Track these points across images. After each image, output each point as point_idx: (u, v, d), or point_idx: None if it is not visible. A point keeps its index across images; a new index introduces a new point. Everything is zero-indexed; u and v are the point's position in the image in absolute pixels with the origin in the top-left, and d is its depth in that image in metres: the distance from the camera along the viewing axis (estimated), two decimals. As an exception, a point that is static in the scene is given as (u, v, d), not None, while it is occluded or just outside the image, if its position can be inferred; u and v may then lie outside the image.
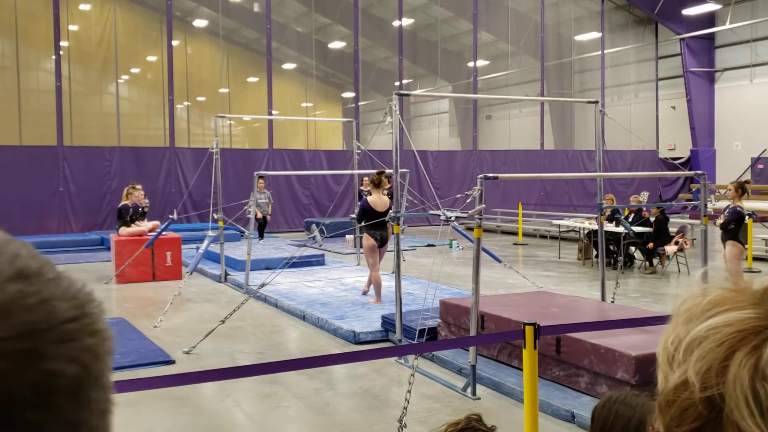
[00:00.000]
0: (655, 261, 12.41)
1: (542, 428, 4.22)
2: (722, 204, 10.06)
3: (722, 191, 13.88)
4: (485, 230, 8.07)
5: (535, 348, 4.02)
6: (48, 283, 0.43)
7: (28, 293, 0.41)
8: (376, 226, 8.61)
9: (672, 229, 12.66)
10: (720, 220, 8.94)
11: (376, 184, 8.78)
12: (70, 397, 0.41)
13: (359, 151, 12.37)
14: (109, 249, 13.81)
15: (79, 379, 0.42)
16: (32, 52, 19.38)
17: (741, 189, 9.01)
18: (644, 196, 17.98)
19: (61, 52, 18.21)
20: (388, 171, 8.46)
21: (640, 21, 25.45)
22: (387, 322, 7.59)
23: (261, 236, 15.66)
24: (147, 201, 13.71)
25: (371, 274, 9.17)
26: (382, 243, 8.87)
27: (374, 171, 9.15)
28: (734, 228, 8.87)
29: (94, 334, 0.44)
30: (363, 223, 8.79)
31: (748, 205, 10.94)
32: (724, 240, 8.98)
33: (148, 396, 5.52)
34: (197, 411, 5.54)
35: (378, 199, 8.75)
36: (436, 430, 1.49)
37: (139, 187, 12.87)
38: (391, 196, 8.18)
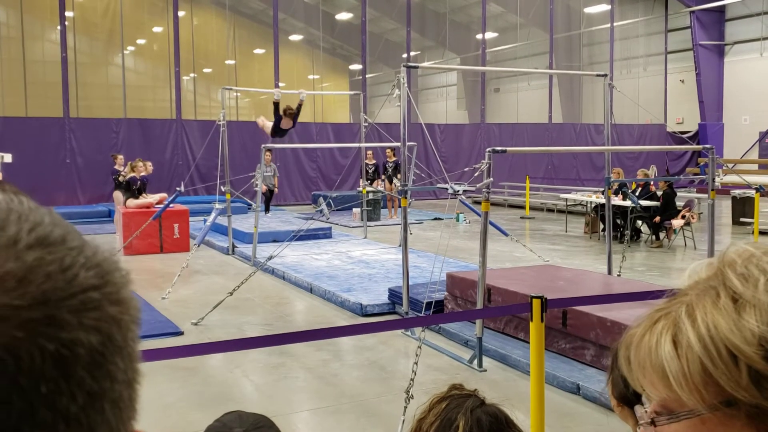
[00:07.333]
0: (662, 235, 12.41)
1: (548, 400, 4.25)
2: (730, 179, 10.02)
3: (729, 165, 13.82)
4: (492, 204, 8.07)
5: (542, 321, 4.04)
6: (70, 250, 0.42)
7: (48, 261, 0.40)
8: (279, 134, 11.30)
9: (679, 204, 12.63)
10: None
11: (288, 115, 10.95)
12: (89, 367, 0.40)
13: (366, 124, 12.31)
14: (116, 221, 13.86)
15: (99, 349, 0.41)
16: (37, 23, 19.28)
17: None
18: (652, 170, 17.93)
19: (66, 23, 18.10)
20: (395, 144, 8.49)
21: (651, -7, 25.14)
22: (394, 295, 7.63)
23: (267, 209, 15.68)
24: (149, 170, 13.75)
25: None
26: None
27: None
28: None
29: (118, 302, 0.43)
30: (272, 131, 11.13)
31: (756, 179, 10.90)
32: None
33: (158, 367, 5.58)
34: (206, 381, 5.60)
35: (287, 123, 11.09)
36: (424, 404, 1.51)
37: (140, 161, 13.07)
38: (396, 168, 8.22)
